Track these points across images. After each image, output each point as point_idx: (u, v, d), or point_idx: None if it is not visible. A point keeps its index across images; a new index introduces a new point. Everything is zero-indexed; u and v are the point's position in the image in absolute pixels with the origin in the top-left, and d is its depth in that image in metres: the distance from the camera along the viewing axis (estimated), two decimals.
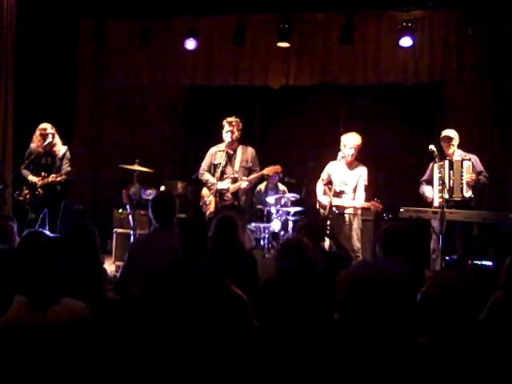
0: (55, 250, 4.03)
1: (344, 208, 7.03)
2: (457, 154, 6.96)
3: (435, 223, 6.76)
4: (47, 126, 7.19)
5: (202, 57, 9.30)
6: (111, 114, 9.97)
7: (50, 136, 7.15)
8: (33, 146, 7.21)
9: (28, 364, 2.75)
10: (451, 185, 6.73)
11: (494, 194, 8.16)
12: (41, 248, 3.89)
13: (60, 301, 3.00)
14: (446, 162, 6.79)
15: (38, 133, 7.18)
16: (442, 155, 6.92)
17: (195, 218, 4.84)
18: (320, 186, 7.26)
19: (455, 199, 6.72)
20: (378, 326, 2.77)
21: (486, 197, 7.61)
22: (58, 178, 7.05)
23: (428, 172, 7.11)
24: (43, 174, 7.09)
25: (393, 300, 2.96)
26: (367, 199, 7.00)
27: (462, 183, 6.72)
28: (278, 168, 7.21)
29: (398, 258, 4.05)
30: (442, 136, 6.99)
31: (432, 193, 6.94)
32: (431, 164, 7.06)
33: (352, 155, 6.99)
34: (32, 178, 7.10)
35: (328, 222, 6.47)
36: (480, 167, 6.94)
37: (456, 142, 6.96)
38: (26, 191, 7.13)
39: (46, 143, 7.10)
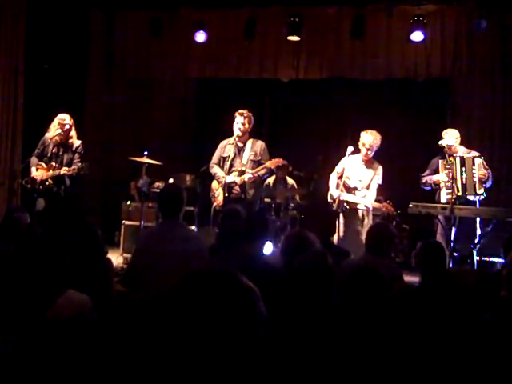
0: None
1: (356, 204, 7.01)
2: (460, 151, 6.92)
3: (442, 219, 6.75)
4: (66, 117, 7.21)
5: (211, 50, 9.28)
6: (121, 106, 9.99)
7: (68, 126, 7.17)
8: (48, 135, 7.23)
9: (31, 361, 2.71)
10: (463, 182, 6.69)
11: (503, 190, 8.13)
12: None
13: (62, 295, 2.94)
14: (458, 159, 6.73)
15: (56, 122, 7.19)
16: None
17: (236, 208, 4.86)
18: (333, 179, 7.22)
19: (468, 196, 6.69)
20: None
21: (495, 193, 7.58)
22: (70, 172, 7.06)
23: (430, 168, 7.08)
24: (54, 164, 7.11)
25: None
26: (378, 198, 7.00)
27: (475, 180, 6.69)
28: (279, 161, 7.16)
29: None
30: (443, 142, 6.87)
31: (437, 176, 6.93)
32: (434, 160, 7.02)
33: (366, 154, 6.98)
34: (35, 173, 7.10)
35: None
36: (485, 165, 6.92)
37: (458, 141, 6.92)
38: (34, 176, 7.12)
39: (58, 132, 7.10)
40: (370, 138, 6.94)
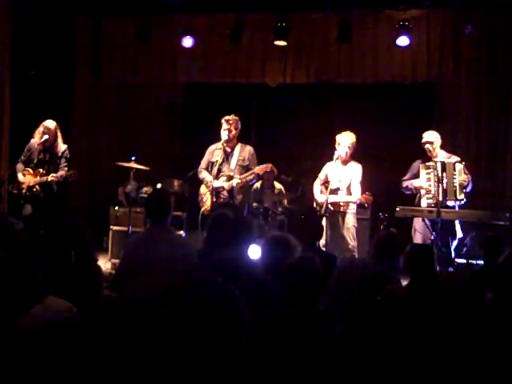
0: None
1: (339, 206, 7.04)
2: (441, 155, 6.95)
3: (418, 224, 6.82)
4: (51, 124, 7.18)
5: (199, 55, 9.28)
6: (108, 111, 9.96)
7: (52, 134, 7.14)
8: (33, 141, 7.21)
9: (7, 370, 2.65)
10: (444, 187, 6.71)
11: (488, 193, 8.19)
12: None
13: (42, 300, 2.88)
14: (439, 164, 6.74)
15: (41, 129, 7.16)
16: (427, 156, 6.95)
17: (225, 213, 4.86)
18: (317, 186, 7.27)
19: (448, 202, 6.71)
20: None
21: (480, 196, 7.63)
22: (57, 179, 7.04)
23: (411, 172, 7.10)
24: (41, 170, 7.09)
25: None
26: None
27: (455, 186, 6.70)
28: (267, 166, 7.16)
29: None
30: (423, 141, 6.94)
31: (418, 182, 6.96)
32: (415, 164, 7.04)
33: (346, 153, 7.02)
34: (22, 178, 7.09)
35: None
36: (466, 170, 6.94)
37: (438, 143, 6.95)
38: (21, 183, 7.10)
39: (43, 139, 7.08)
40: (346, 138, 7.01)
